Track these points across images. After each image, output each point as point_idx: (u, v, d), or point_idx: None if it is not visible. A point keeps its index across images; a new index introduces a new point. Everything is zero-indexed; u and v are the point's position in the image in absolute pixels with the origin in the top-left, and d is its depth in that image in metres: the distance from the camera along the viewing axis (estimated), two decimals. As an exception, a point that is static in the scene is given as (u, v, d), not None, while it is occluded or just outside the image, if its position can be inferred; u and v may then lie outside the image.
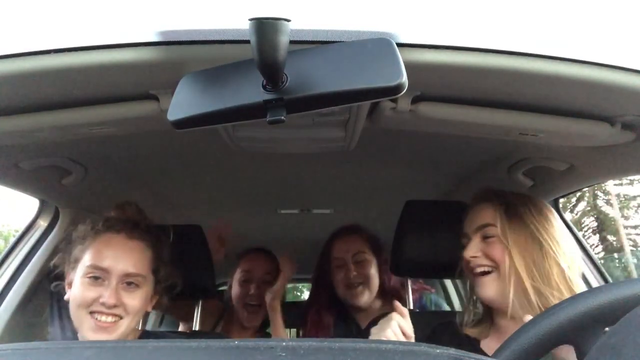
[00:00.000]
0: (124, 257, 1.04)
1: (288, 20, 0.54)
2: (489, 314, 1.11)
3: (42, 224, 1.57)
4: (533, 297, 0.96)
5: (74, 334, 1.07)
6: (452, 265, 1.20)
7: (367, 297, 1.67)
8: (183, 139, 1.24)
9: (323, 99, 0.61)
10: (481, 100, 0.91)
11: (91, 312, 0.99)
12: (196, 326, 1.62)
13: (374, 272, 1.71)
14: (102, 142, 1.22)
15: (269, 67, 0.57)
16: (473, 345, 1.07)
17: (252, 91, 0.61)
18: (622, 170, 1.22)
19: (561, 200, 1.65)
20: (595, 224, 21.52)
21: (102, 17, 0.74)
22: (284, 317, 1.75)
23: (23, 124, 0.91)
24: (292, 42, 0.58)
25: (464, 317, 1.13)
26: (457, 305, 2.65)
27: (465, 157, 1.51)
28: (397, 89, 0.58)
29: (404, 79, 0.58)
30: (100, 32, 0.73)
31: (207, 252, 1.48)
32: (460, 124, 0.98)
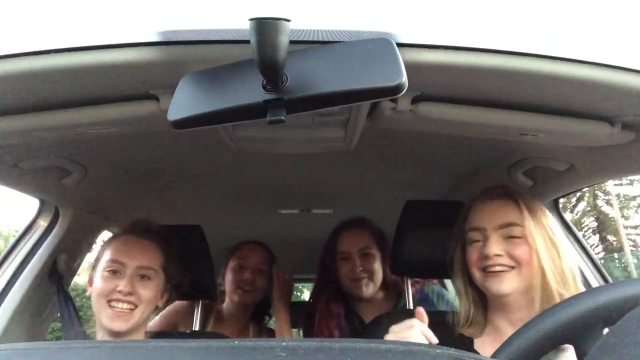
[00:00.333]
0: (137, 252, 1.21)
1: (288, 20, 0.54)
2: (484, 313, 1.11)
3: (42, 224, 1.57)
4: (557, 298, 0.97)
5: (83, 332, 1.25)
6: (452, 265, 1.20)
7: (371, 289, 1.70)
8: (183, 139, 1.24)
9: (323, 99, 0.61)
10: (481, 100, 0.91)
11: (109, 301, 1.14)
12: (196, 326, 1.63)
13: (378, 266, 1.73)
14: (102, 142, 1.22)
15: (269, 67, 0.57)
16: (467, 345, 1.07)
17: (252, 91, 0.61)
18: (622, 170, 1.22)
19: (561, 200, 1.66)
20: (595, 224, 21.54)
21: (102, 17, 0.74)
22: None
23: (23, 124, 0.91)
24: (292, 42, 0.58)
25: (460, 316, 1.12)
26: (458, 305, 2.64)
27: (465, 157, 1.52)
28: (397, 89, 0.58)
29: (404, 79, 0.58)
30: (100, 32, 0.72)
31: (207, 252, 1.49)
32: (460, 124, 0.98)
